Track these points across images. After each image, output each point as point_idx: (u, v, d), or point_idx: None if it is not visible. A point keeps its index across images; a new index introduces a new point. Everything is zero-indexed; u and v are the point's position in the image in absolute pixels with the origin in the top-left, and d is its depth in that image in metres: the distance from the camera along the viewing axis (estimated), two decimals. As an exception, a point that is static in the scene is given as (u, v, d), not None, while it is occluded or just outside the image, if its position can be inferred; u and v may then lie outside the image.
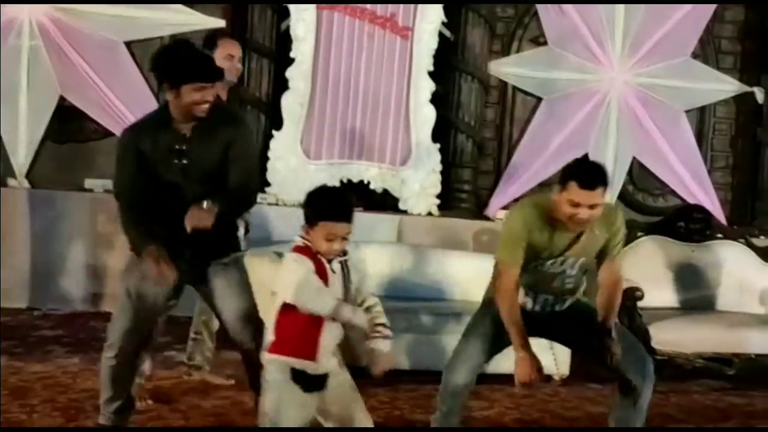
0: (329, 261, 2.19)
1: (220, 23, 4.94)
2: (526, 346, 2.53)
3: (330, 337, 2.19)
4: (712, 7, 5.36)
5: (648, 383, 2.62)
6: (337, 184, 5.07)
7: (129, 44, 4.90)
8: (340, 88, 5.05)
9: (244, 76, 5.03)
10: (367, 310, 2.24)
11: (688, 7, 5.31)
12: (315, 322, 2.16)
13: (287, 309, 2.17)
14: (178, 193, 2.49)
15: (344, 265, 2.23)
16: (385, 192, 5.11)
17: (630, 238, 4.39)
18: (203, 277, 2.60)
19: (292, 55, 4.98)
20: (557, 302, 2.68)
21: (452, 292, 3.95)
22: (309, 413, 2.21)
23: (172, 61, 2.48)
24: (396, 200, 5.08)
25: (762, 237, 4.84)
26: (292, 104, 4.97)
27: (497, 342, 2.66)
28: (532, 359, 2.52)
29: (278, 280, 2.20)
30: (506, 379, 3.60)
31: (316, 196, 2.24)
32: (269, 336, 2.23)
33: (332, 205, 2.18)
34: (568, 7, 5.23)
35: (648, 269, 4.12)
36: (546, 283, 2.63)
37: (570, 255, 2.57)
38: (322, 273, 2.16)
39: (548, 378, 3.74)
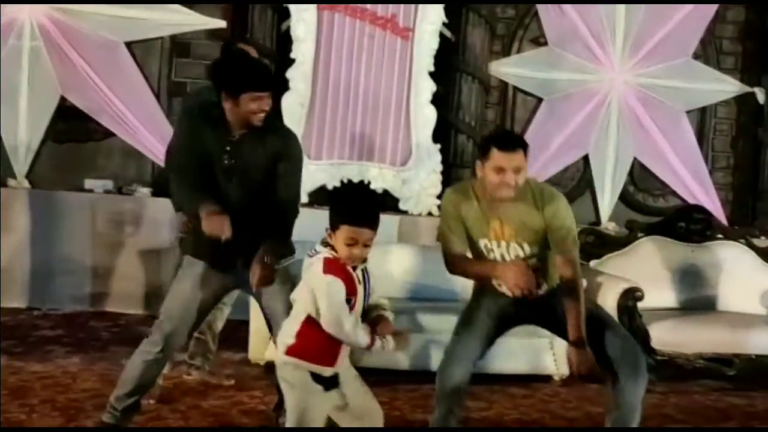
0: (354, 269, 2.16)
1: (221, 24, 4.96)
2: (495, 262, 2.54)
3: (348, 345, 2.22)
4: (714, 7, 5.36)
5: (637, 379, 2.57)
6: (338, 184, 5.09)
7: (129, 44, 4.91)
8: (341, 88, 5.05)
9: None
10: (375, 308, 2.24)
11: (689, 7, 5.31)
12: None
13: (314, 322, 2.16)
14: (220, 196, 2.52)
15: (365, 272, 2.21)
16: (386, 192, 5.10)
17: (630, 239, 4.40)
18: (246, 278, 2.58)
19: (292, 55, 4.98)
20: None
21: (453, 292, 3.94)
22: (327, 411, 2.23)
23: (231, 71, 2.53)
24: (396, 200, 5.08)
25: (763, 237, 4.83)
26: (292, 105, 4.97)
27: (491, 334, 2.66)
28: (513, 265, 2.49)
29: (305, 294, 2.18)
30: (505, 379, 3.62)
31: (340, 197, 2.21)
32: (287, 338, 2.21)
33: (355, 208, 2.15)
34: (569, 8, 5.23)
35: (648, 269, 4.11)
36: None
37: (510, 239, 2.54)
38: (351, 286, 2.14)
39: (548, 378, 3.75)
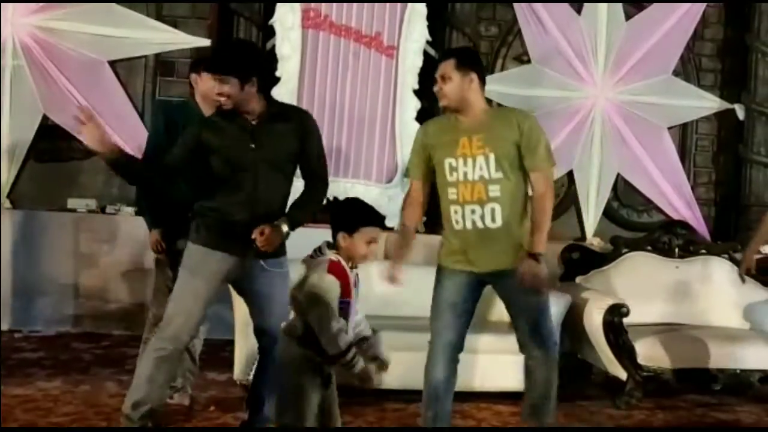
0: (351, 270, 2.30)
1: (205, 42, 4.95)
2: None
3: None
4: (693, 25, 5.44)
5: (545, 358, 2.68)
6: (323, 201, 5.07)
7: (113, 63, 4.89)
8: (326, 106, 5.07)
9: (230, 94, 5.06)
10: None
11: (669, 25, 5.40)
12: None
13: None
14: (247, 183, 2.60)
15: (357, 276, 2.34)
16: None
17: (615, 255, 4.43)
18: (259, 276, 2.67)
19: (277, 74, 4.99)
20: (484, 214, 2.63)
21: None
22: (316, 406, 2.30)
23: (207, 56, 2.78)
24: (383, 218, 5.06)
25: (745, 252, 4.89)
26: (277, 122, 4.97)
27: (463, 315, 2.72)
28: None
29: (301, 288, 2.27)
30: (492, 397, 3.60)
31: (354, 206, 2.45)
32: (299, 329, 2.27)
33: (370, 212, 2.39)
34: (551, 26, 5.29)
35: (633, 285, 4.13)
36: (468, 192, 2.63)
37: (477, 153, 2.62)
38: (349, 289, 2.27)
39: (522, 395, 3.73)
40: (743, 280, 3.31)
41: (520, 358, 3.62)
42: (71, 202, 4.87)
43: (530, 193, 2.70)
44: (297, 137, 2.67)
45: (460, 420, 3.36)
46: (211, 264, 2.62)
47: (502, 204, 2.63)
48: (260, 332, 2.75)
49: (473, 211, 2.64)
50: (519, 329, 2.75)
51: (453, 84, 2.64)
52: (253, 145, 2.60)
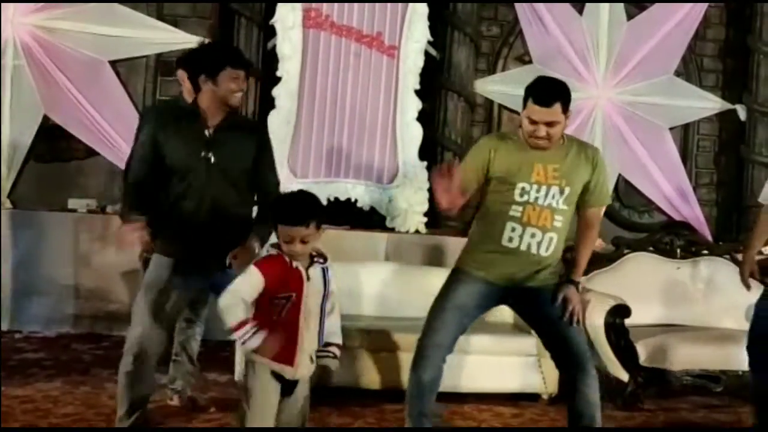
0: (307, 267, 2.25)
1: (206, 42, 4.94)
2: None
3: (307, 343, 2.26)
4: (694, 25, 5.43)
5: (589, 378, 2.60)
6: (324, 202, 5.06)
7: (114, 63, 4.89)
8: (327, 106, 5.06)
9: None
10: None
11: (670, 25, 5.39)
12: (292, 327, 2.23)
13: (262, 314, 2.23)
14: (201, 193, 2.57)
15: (325, 272, 2.30)
16: (373, 210, 5.10)
17: (616, 255, 4.41)
18: (221, 281, 2.61)
19: (278, 73, 4.98)
20: (542, 241, 2.62)
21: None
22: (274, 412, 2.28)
23: (209, 52, 2.66)
24: (383, 218, 5.07)
25: (747, 253, 4.87)
26: (278, 123, 4.96)
27: (464, 322, 2.69)
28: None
29: None
30: (493, 398, 3.59)
31: (275, 201, 2.39)
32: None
33: (284, 209, 2.27)
34: (553, 26, 5.29)
35: (635, 286, 4.11)
36: (535, 216, 2.60)
37: (554, 183, 2.60)
38: (284, 282, 2.22)
39: (537, 397, 3.72)
40: (748, 287, 3.22)
41: (519, 360, 3.64)
42: (72, 203, 4.85)
43: None
44: (251, 149, 2.65)
45: (461, 421, 3.35)
46: (165, 273, 2.60)
47: (559, 235, 2.65)
48: None
49: (533, 235, 2.62)
50: (564, 344, 2.65)
51: (559, 127, 2.55)
52: (210, 155, 2.57)
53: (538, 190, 2.60)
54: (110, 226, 4.67)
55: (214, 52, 2.66)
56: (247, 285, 2.22)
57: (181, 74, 3.14)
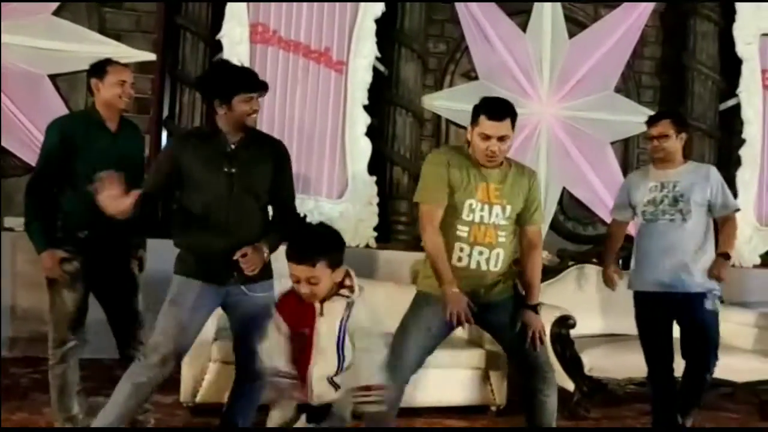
0: (323, 301, 2.11)
1: (150, 56, 4.87)
2: (454, 282, 2.60)
3: (318, 370, 2.13)
4: (632, 43, 5.63)
5: (550, 388, 2.68)
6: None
7: (54, 77, 4.75)
8: (275, 121, 5.03)
9: (176, 110, 4.97)
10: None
11: (609, 43, 5.57)
12: (302, 357, 2.13)
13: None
14: (225, 208, 2.58)
15: (350, 307, 2.14)
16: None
17: (561, 267, 4.51)
18: (242, 298, 2.65)
19: (225, 88, 4.93)
20: (490, 258, 2.69)
21: (390, 325, 3.93)
22: None
23: (222, 77, 2.64)
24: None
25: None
26: (225, 138, 4.91)
27: (431, 344, 2.71)
28: (461, 295, 2.59)
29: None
30: (443, 411, 3.61)
31: (293, 234, 2.25)
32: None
33: (293, 242, 2.13)
34: (498, 43, 5.40)
35: (579, 297, 4.22)
36: (481, 234, 2.67)
37: (496, 202, 2.67)
38: (306, 315, 2.11)
39: (485, 409, 3.76)
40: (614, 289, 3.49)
41: (467, 373, 3.67)
42: (8, 221, 4.67)
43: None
44: (271, 164, 2.68)
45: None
46: (191, 293, 2.60)
47: (506, 250, 2.73)
48: (242, 359, 2.70)
49: (481, 253, 2.69)
50: (525, 355, 2.71)
51: (509, 143, 2.68)
52: (232, 170, 2.59)
53: (482, 209, 2.67)
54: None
55: (227, 77, 2.64)
56: (274, 333, 2.16)
57: (95, 82, 2.97)
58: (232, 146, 2.63)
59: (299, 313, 2.12)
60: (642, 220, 3.37)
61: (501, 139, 2.61)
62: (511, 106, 2.69)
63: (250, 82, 2.64)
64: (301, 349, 2.13)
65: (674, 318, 3.30)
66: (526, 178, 2.76)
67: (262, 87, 2.66)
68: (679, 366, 3.32)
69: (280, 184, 2.71)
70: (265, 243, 2.62)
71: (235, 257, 2.54)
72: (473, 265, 2.68)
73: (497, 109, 2.64)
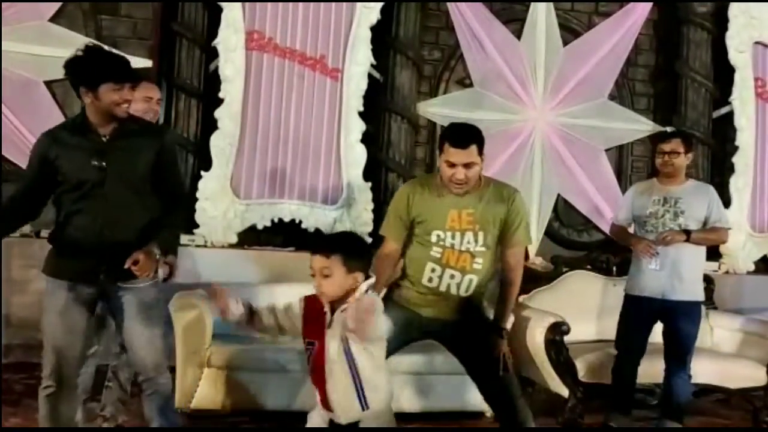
0: (333, 312, 2.10)
1: (146, 63, 4.88)
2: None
3: (336, 393, 2.10)
4: (627, 51, 5.67)
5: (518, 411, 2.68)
6: (268, 224, 5.04)
7: (49, 84, 4.76)
8: (270, 128, 5.05)
9: (172, 116, 4.97)
10: None
11: (604, 50, 5.61)
12: (318, 376, 2.11)
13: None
14: (98, 202, 2.48)
15: (333, 314, 2.13)
16: (318, 231, 5.08)
17: (556, 273, 4.53)
18: (116, 297, 2.56)
19: (220, 95, 4.95)
20: (461, 283, 2.67)
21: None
22: None
23: (87, 64, 2.48)
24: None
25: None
26: (221, 144, 4.92)
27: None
28: None
29: None
30: (438, 417, 3.61)
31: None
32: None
33: (314, 238, 2.16)
34: (492, 51, 5.43)
35: (573, 303, 4.23)
36: (454, 258, 2.66)
37: (468, 228, 2.64)
38: (318, 325, 2.10)
39: (480, 415, 3.76)
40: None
41: (462, 378, 3.65)
42: (3, 227, 4.66)
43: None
44: (150, 153, 2.56)
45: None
46: (61, 295, 2.52)
47: (480, 276, 2.70)
48: (134, 354, 2.61)
49: (452, 276, 2.67)
50: (485, 378, 2.71)
51: (477, 168, 2.66)
52: (102, 163, 2.48)
53: (453, 237, 2.65)
54: (44, 251, 4.51)
55: (93, 63, 2.45)
56: (291, 303, 2.14)
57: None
58: (104, 138, 2.50)
59: (314, 322, 2.12)
60: (642, 231, 3.51)
61: (467, 166, 2.58)
62: (477, 132, 2.64)
63: (119, 72, 2.47)
64: (315, 367, 2.12)
65: (657, 322, 3.53)
66: (504, 202, 2.70)
67: (132, 78, 2.52)
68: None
69: (164, 173, 2.58)
70: (155, 244, 2.49)
71: (126, 265, 2.40)
72: (443, 288, 2.68)
73: (461, 136, 2.61)
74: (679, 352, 3.48)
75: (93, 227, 2.49)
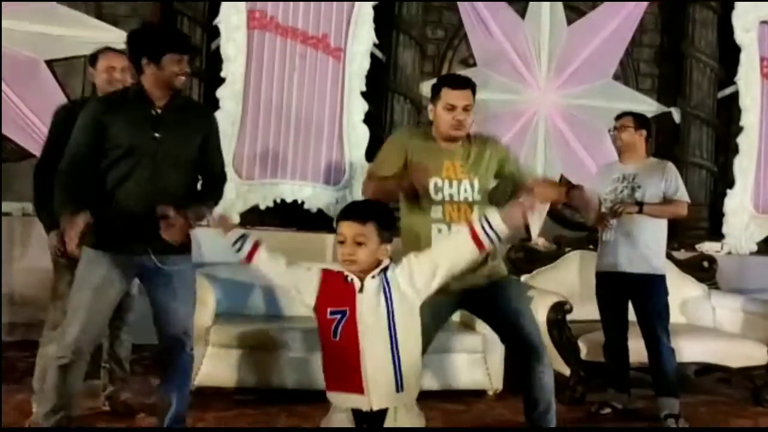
0: (362, 280, 1.98)
1: (148, 42, 4.84)
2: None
3: (373, 365, 1.96)
4: (631, 31, 5.63)
5: (543, 365, 2.64)
6: (271, 204, 5.04)
7: (50, 63, 4.73)
8: (272, 108, 5.03)
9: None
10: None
11: (608, 31, 5.57)
12: (352, 350, 1.96)
13: (323, 332, 2.01)
14: (147, 172, 2.50)
15: (385, 277, 2.00)
16: (320, 211, 5.08)
17: (558, 253, 4.53)
18: (156, 271, 2.57)
19: (222, 74, 4.93)
20: None
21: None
22: None
23: (152, 35, 2.61)
24: (330, 220, 5.06)
25: (682, 250, 5.07)
26: (223, 124, 4.83)
27: (430, 332, 2.63)
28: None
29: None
30: (440, 395, 3.63)
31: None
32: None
33: (346, 207, 2.11)
34: (496, 30, 5.39)
35: (576, 283, 4.23)
36: (456, 213, 2.65)
37: (463, 177, 2.67)
38: (346, 293, 1.98)
39: (482, 393, 3.78)
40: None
41: (464, 357, 3.69)
42: (6, 206, 4.67)
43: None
44: (200, 132, 2.63)
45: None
46: (100, 268, 2.51)
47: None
48: (161, 339, 2.64)
49: (460, 232, 2.63)
50: (518, 334, 2.66)
51: (472, 114, 2.67)
52: (156, 134, 2.52)
53: (450, 186, 2.66)
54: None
55: (157, 36, 2.60)
56: (304, 267, 2.04)
57: (90, 71, 3.08)
58: (158, 110, 2.54)
59: (340, 291, 2.00)
60: (604, 209, 3.60)
61: (465, 109, 2.65)
62: (471, 79, 2.76)
63: (181, 43, 2.60)
64: (343, 332, 1.97)
65: (629, 298, 3.59)
66: (488, 148, 2.74)
67: (192, 50, 2.66)
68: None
69: (209, 153, 2.66)
70: (190, 212, 2.51)
71: (157, 214, 2.42)
72: None
73: (458, 79, 2.74)
74: (648, 325, 3.52)
75: (141, 196, 2.49)
